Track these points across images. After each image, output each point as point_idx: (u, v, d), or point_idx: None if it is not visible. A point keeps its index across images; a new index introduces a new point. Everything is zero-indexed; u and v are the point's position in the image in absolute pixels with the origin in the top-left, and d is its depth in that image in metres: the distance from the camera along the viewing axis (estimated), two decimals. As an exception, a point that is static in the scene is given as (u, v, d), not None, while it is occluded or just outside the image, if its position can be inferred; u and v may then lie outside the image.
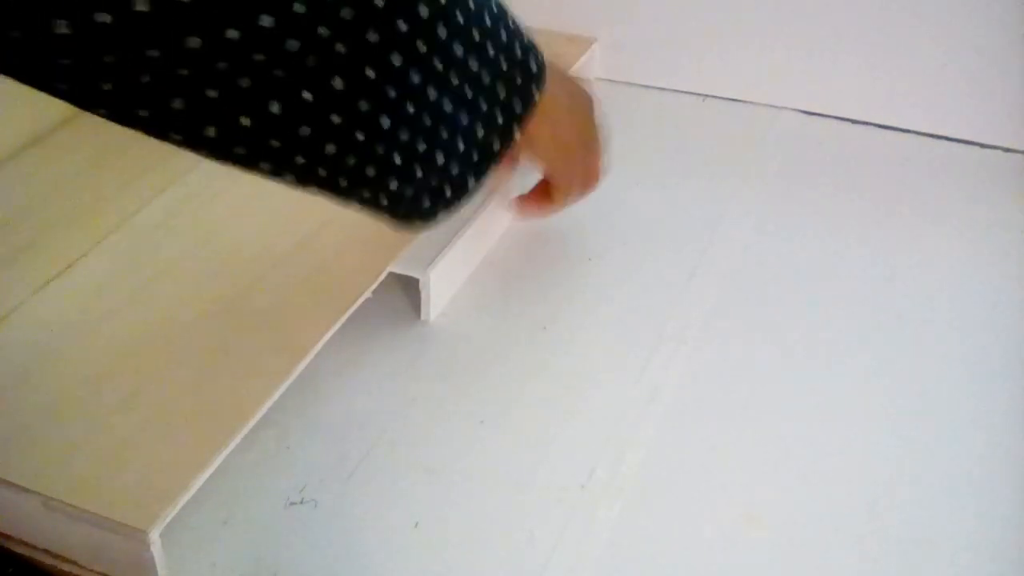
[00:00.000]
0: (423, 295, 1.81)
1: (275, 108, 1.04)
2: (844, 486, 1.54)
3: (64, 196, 1.99)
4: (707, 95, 2.50)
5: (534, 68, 1.29)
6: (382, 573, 1.46)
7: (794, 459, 1.57)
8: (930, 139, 2.36)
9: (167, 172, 2.04)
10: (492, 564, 1.46)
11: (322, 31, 0.98)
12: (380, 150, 1.13)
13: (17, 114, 2.11)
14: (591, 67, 2.54)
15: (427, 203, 1.27)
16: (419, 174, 1.19)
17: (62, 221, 1.92)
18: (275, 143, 1.08)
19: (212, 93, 0.99)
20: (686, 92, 2.52)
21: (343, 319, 1.68)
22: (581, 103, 1.61)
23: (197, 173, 2.05)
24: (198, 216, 1.94)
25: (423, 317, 1.84)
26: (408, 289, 1.87)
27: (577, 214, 1.94)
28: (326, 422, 1.65)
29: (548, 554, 1.48)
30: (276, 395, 1.55)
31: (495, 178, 1.34)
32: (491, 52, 1.18)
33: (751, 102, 2.47)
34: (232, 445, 1.47)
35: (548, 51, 1.45)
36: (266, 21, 0.92)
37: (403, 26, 1.04)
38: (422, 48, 1.08)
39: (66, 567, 1.43)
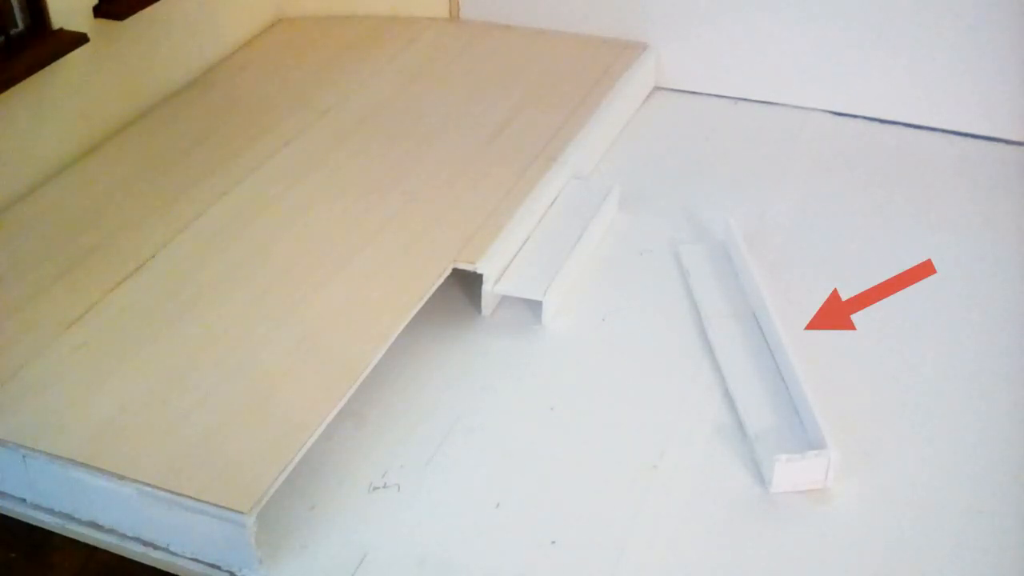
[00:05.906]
0: (484, 290, 1.85)
1: None
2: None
3: (125, 201, 2.04)
4: (739, 99, 2.54)
5: None
6: (467, 552, 1.50)
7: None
8: (956, 136, 2.41)
9: (230, 176, 2.09)
10: (572, 541, 1.50)
11: None
12: None
13: (71, 128, 2.15)
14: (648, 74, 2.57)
15: None
16: None
17: (127, 225, 1.96)
18: None
19: None
20: (719, 96, 2.57)
21: (414, 311, 1.73)
22: None
23: (258, 178, 2.10)
24: (258, 220, 1.99)
25: (483, 312, 1.88)
26: (466, 286, 1.91)
27: (636, 212, 2.02)
28: (401, 411, 1.69)
29: (627, 530, 1.52)
30: (355, 385, 1.59)
31: None
32: None
33: (782, 104, 2.51)
34: (317, 433, 1.51)
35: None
36: None
37: None
38: None
39: (157, 554, 1.46)
